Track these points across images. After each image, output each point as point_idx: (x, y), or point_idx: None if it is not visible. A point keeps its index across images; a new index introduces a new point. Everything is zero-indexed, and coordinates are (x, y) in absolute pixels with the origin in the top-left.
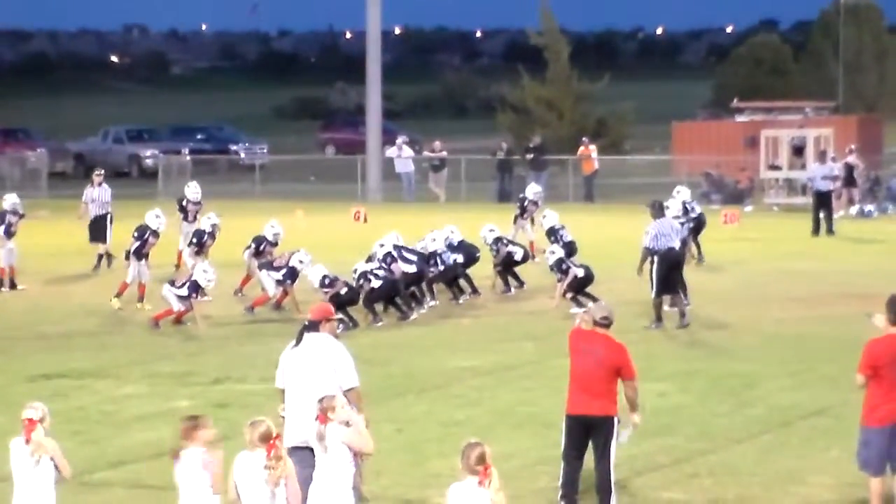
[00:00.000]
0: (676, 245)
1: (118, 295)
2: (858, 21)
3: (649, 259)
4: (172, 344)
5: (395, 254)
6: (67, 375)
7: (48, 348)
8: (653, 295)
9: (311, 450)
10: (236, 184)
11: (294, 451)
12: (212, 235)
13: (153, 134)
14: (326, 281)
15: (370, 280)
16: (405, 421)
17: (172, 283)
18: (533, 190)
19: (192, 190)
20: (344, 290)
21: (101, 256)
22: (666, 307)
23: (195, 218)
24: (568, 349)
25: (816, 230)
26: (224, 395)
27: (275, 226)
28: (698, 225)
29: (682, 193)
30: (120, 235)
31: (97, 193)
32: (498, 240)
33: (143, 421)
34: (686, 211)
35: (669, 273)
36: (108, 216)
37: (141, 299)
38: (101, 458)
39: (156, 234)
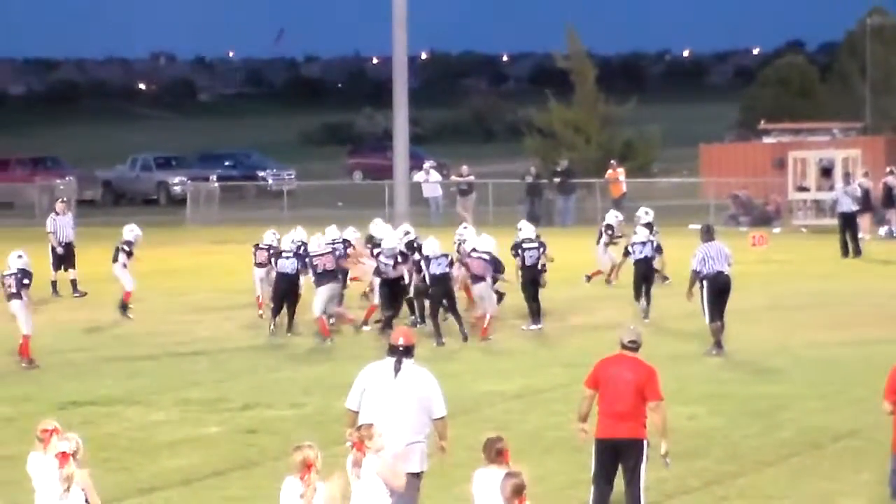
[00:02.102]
0: (725, 269)
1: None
2: (885, 41)
3: (699, 284)
4: (201, 370)
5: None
6: (97, 402)
7: (77, 375)
8: (707, 321)
9: (410, 474)
10: (264, 210)
11: None
12: None
13: (181, 161)
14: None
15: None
16: (433, 445)
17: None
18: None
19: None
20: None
21: (73, 282)
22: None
23: None
24: (596, 376)
25: (846, 252)
26: (253, 421)
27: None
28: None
29: (650, 215)
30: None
31: (62, 222)
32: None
33: (172, 447)
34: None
35: (719, 297)
36: (72, 244)
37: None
38: (132, 485)
39: None
